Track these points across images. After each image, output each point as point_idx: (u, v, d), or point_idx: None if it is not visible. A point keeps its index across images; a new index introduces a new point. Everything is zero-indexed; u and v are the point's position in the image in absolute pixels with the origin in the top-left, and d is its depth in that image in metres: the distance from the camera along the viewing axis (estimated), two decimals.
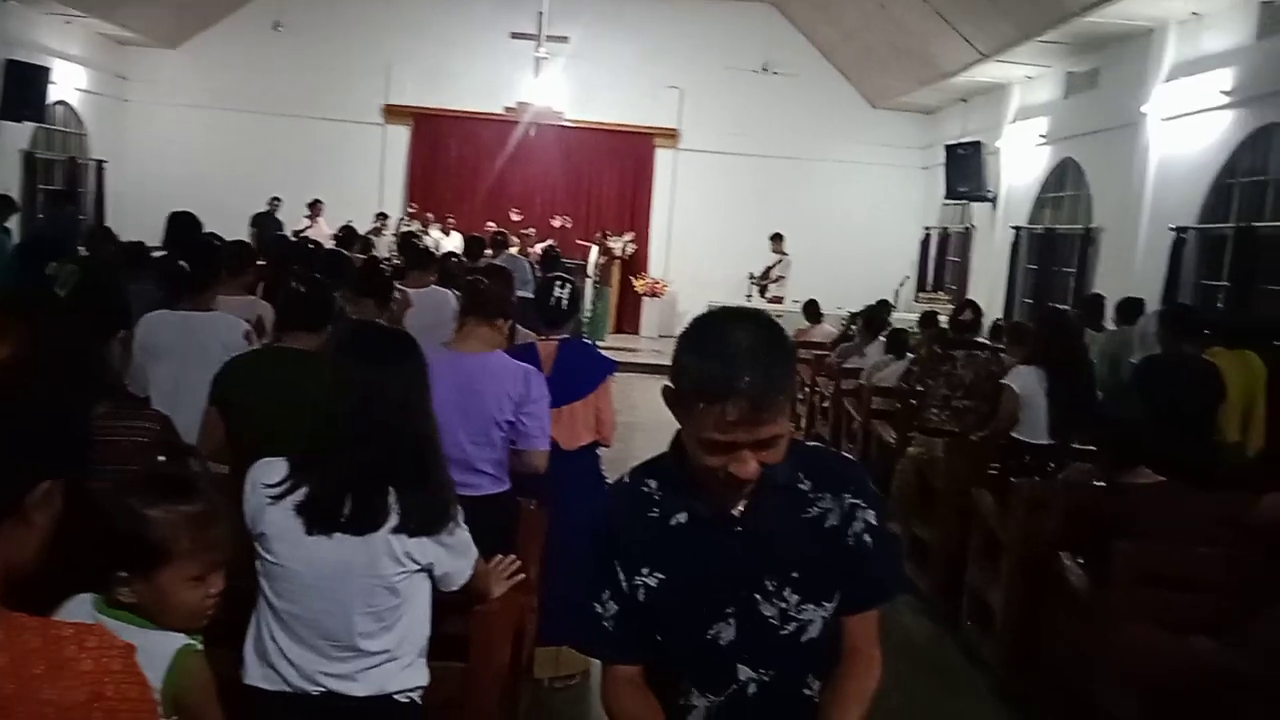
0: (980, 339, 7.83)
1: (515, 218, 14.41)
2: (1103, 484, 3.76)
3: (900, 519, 5.69)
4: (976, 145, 13.04)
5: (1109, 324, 7.91)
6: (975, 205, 13.73)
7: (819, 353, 8.81)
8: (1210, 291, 8.81)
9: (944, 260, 14.99)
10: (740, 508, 1.55)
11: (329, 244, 8.62)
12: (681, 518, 1.56)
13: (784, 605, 1.55)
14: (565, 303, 3.93)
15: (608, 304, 14.32)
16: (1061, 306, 9.51)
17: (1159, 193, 9.34)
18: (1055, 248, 11.53)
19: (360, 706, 2.16)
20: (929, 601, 5.17)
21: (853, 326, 9.25)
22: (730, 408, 1.39)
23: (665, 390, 1.53)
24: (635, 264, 15.54)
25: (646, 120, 15.69)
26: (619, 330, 15.26)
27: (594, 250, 14.20)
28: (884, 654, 1.67)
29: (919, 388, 5.78)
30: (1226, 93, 8.41)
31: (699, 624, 1.56)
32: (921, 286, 15.10)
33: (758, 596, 1.55)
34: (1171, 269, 9.04)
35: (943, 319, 8.01)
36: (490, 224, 13.07)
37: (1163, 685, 3.18)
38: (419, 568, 2.19)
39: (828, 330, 9.95)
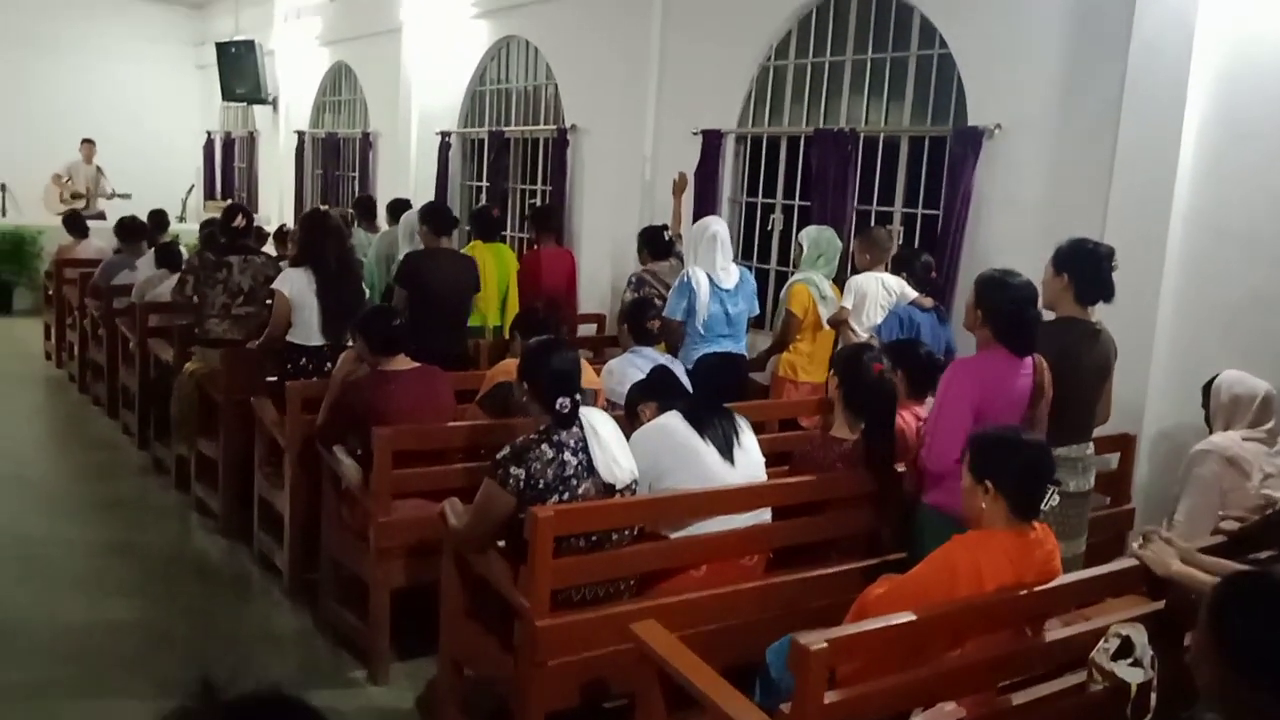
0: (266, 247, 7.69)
1: None
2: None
3: (185, 439, 5.41)
4: (251, 44, 12.56)
5: (383, 224, 8.28)
6: (257, 108, 13.32)
7: (86, 271, 7.87)
8: (474, 190, 9.71)
9: (231, 166, 14.36)
10: None
11: None
12: None
13: None
14: None
15: None
16: (324, 206, 9.62)
17: (424, 98, 9.94)
18: (338, 151, 11.71)
19: None
20: (223, 519, 5.03)
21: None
22: None
23: None
24: None
25: None
26: None
27: None
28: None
29: (194, 298, 5.45)
30: (474, 4, 9.17)
31: None
32: (210, 194, 14.32)
33: None
34: (440, 170, 9.76)
35: None
36: None
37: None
38: None
39: (98, 246, 8.91)
